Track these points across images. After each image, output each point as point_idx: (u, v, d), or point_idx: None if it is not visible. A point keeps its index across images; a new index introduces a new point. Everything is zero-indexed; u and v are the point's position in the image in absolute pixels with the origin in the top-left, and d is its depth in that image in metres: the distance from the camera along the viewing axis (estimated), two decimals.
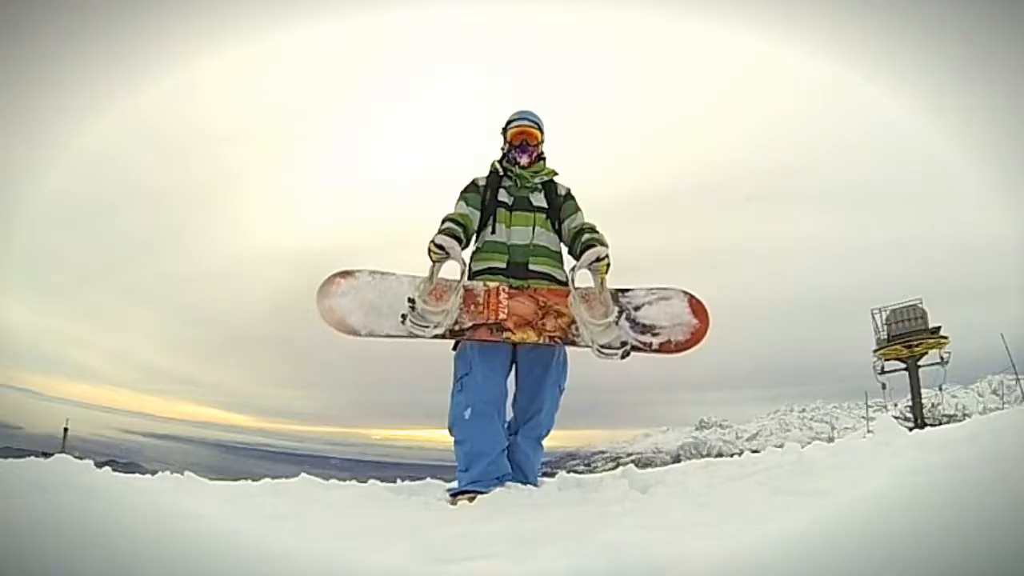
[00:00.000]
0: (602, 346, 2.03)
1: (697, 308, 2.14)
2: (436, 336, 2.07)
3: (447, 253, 2.02)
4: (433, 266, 2.06)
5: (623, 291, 2.17)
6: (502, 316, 2.10)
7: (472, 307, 2.11)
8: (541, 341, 2.11)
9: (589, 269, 2.07)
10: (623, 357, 2.04)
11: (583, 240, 2.14)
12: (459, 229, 2.10)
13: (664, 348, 2.12)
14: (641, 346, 2.11)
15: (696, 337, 2.13)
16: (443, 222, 2.12)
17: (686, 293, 2.16)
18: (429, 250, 2.03)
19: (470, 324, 2.09)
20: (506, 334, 2.09)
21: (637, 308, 2.15)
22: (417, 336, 2.06)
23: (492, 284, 2.14)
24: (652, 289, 2.18)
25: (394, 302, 2.10)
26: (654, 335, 2.12)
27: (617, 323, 2.06)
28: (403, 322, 2.04)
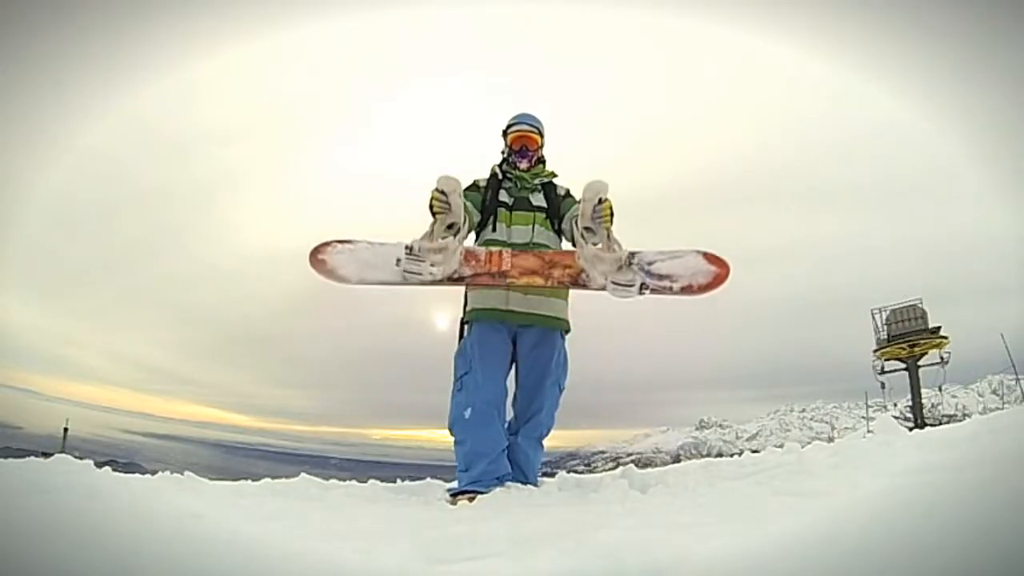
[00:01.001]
0: (617, 282, 1.94)
1: (714, 259, 2.03)
2: (434, 282, 2.00)
3: (448, 204, 1.95)
4: (435, 219, 1.98)
5: (632, 254, 2.07)
6: (505, 268, 2.05)
7: (473, 262, 2.07)
8: (548, 285, 2.06)
9: (593, 218, 1.95)
10: (640, 292, 1.95)
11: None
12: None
13: (686, 291, 2.02)
14: (661, 289, 2.00)
15: (719, 279, 2.01)
16: None
17: (699, 251, 2.05)
18: (431, 199, 1.97)
19: (471, 273, 2.05)
20: (509, 279, 2.05)
21: (650, 263, 2.05)
22: (412, 278, 1.97)
23: (495, 248, 2.11)
24: (662, 252, 2.07)
25: (390, 260, 2.03)
26: (673, 281, 2.02)
27: (630, 265, 1.98)
28: (397, 263, 1.97)
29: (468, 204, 2.20)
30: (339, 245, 2.09)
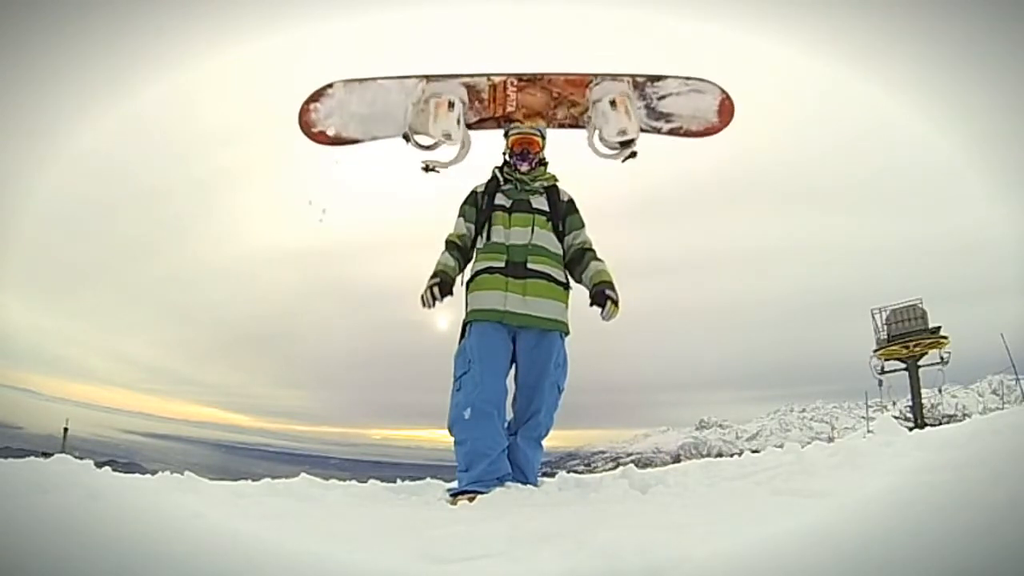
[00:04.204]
0: (605, 140, 1.98)
1: (725, 109, 2.00)
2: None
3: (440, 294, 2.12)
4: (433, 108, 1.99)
5: (654, 79, 2.02)
6: (510, 109, 2.02)
7: (476, 104, 2.03)
8: (550, 127, 2.04)
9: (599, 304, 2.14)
10: (625, 160, 1.97)
11: (590, 277, 2.21)
12: (448, 277, 2.19)
13: (674, 132, 2.01)
14: (650, 129, 2.00)
15: (709, 131, 2.01)
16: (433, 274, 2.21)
17: (722, 91, 2.03)
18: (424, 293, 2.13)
19: (475, 119, 2.02)
20: (513, 122, 2.02)
21: (662, 97, 2.02)
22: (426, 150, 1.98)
23: (497, 79, 2.05)
24: (687, 80, 2.03)
25: (388, 108, 1.97)
26: (668, 121, 2.01)
27: (629, 141, 2.01)
28: (407, 139, 1.99)
29: (466, 228, 2.28)
30: (320, 106, 1.95)
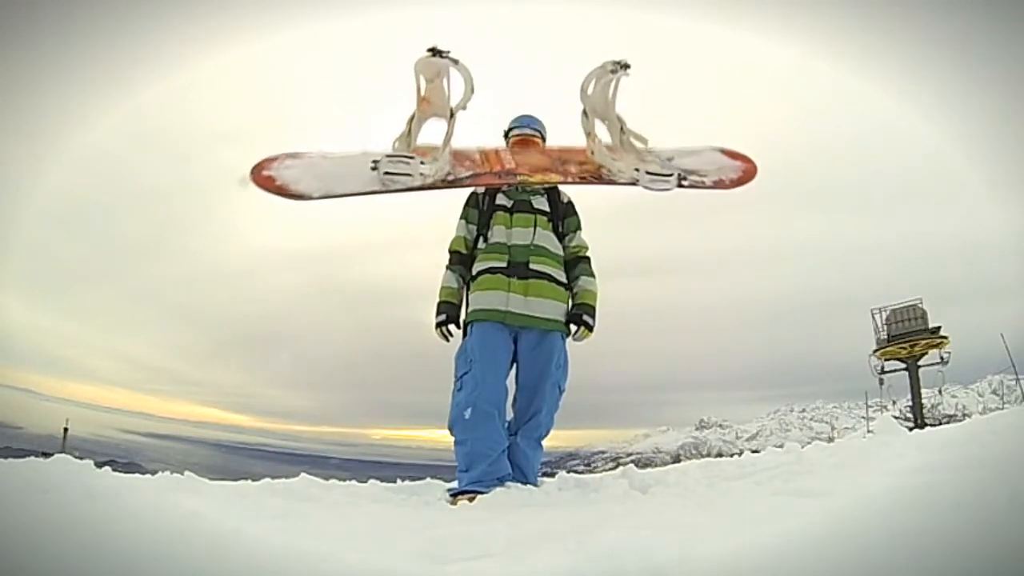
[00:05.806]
0: (651, 172, 1.79)
1: (735, 155, 1.93)
2: (423, 186, 1.75)
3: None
4: (412, 119, 1.74)
5: (648, 152, 1.93)
6: (510, 166, 1.85)
7: (468, 163, 1.86)
8: (568, 181, 1.89)
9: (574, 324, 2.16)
10: (679, 184, 1.81)
11: (575, 293, 2.23)
12: (453, 309, 2.21)
13: (719, 185, 1.89)
14: (695, 183, 1.87)
15: (748, 174, 1.92)
16: (438, 306, 2.21)
17: (716, 148, 1.98)
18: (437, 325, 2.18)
19: (469, 174, 1.84)
20: (520, 177, 1.85)
21: (670, 159, 1.90)
22: (394, 185, 1.70)
23: (488, 148, 1.90)
24: (677, 149, 1.96)
25: (356, 169, 1.72)
26: (703, 175, 1.89)
27: (651, 157, 1.85)
28: (374, 168, 1.68)
29: (468, 229, 2.26)
30: (288, 160, 1.74)
